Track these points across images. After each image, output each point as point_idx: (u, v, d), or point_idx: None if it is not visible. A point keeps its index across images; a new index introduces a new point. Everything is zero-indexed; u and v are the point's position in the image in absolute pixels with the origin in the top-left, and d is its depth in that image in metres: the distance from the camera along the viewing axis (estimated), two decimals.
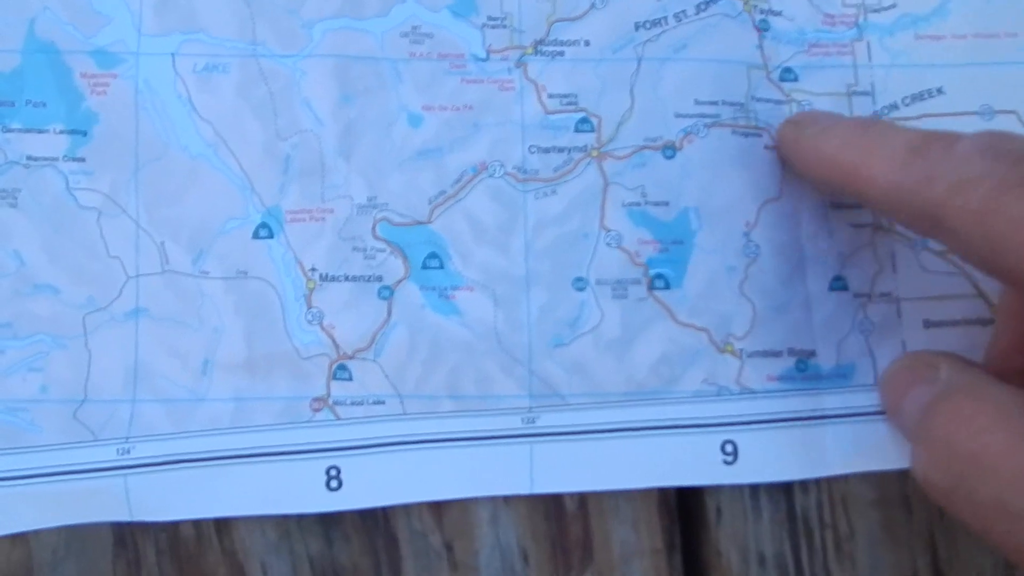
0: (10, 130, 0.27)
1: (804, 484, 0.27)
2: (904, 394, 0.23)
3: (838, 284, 0.27)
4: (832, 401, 0.26)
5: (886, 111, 0.28)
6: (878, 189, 0.22)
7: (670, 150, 0.27)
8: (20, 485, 0.26)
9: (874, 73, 0.28)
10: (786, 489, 0.27)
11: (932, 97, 0.28)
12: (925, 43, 0.28)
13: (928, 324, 0.27)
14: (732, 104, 0.28)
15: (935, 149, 0.21)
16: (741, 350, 0.27)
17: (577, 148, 0.28)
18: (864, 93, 0.28)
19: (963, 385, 0.21)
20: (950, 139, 0.21)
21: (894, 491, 0.27)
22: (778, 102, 0.28)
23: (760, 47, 0.28)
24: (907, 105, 0.28)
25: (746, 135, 0.28)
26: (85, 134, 0.27)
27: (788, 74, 0.28)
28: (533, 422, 0.27)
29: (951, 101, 0.28)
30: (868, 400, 0.26)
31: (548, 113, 0.28)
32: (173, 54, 0.27)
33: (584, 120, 0.28)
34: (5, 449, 0.26)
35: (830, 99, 0.28)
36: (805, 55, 0.28)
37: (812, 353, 0.27)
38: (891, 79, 0.28)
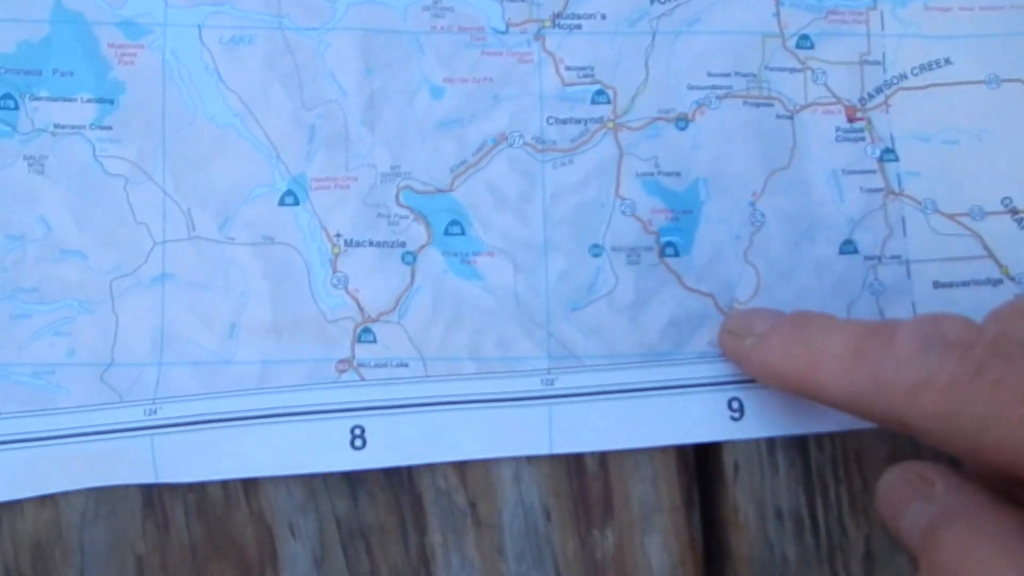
0: (38, 98, 0.26)
1: (819, 441, 0.26)
2: (901, 511, 0.22)
3: (848, 248, 0.27)
4: None
5: (896, 80, 0.27)
6: (833, 396, 0.22)
7: (683, 121, 0.27)
8: (47, 446, 0.25)
9: (886, 43, 0.28)
10: (801, 446, 0.26)
11: (940, 67, 0.27)
12: (934, 14, 0.28)
13: (938, 285, 0.27)
14: (745, 75, 0.27)
15: (875, 348, 0.21)
16: None
17: (593, 119, 0.27)
18: (875, 63, 0.27)
19: (961, 510, 0.20)
20: (886, 334, 0.21)
21: (906, 447, 0.26)
22: (792, 70, 0.27)
23: (777, 15, 0.27)
24: (916, 75, 0.27)
25: (757, 105, 0.27)
26: (112, 103, 0.26)
27: (804, 41, 0.27)
28: (551, 384, 0.26)
29: (959, 70, 0.27)
30: None
31: (565, 85, 0.27)
32: (200, 26, 0.26)
33: (600, 92, 0.28)
34: (32, 411, 0.25)
35: (843, 68, 0.27)
36: (823, 21, 0.27)
37: None
38: (902, 49, 0.28)
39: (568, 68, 0.28)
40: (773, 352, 0.23)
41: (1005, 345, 0.19)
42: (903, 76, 0.27)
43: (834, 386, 0.21)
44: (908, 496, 0.22)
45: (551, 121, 0.27)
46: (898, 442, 0.26)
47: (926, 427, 0.20)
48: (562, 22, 0.28)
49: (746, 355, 0.24)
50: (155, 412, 0.25)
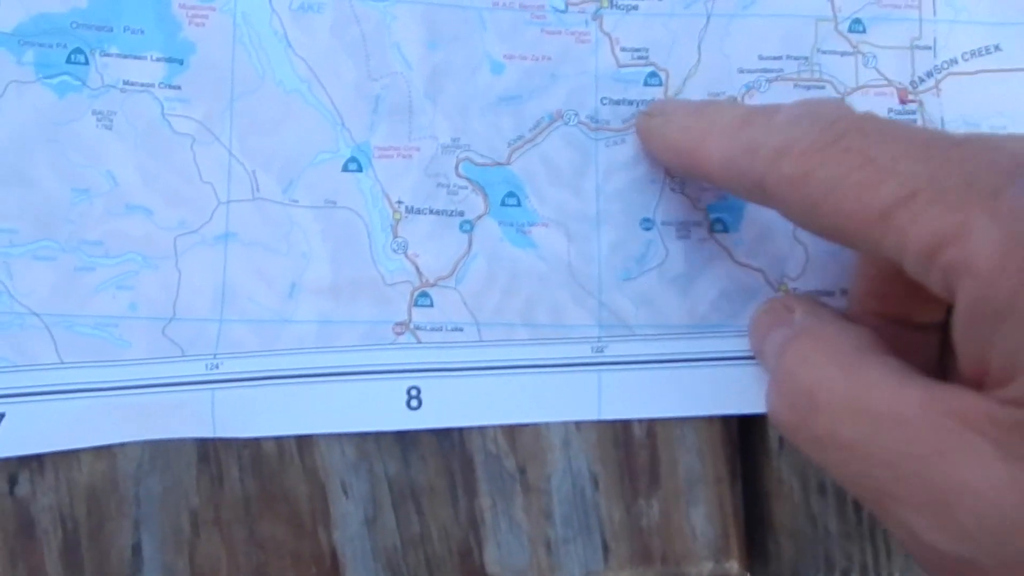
0: (108, 54, 0.25)
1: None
2: (765, 337, 0.23)
3: None
4: None
5: (946, 65, 0.27)
6: (714, 165, 0.22)
7: None
8: (107, 396, 0.24)
9: (937, 28, 0.27)
10: None
11: (990, 53, 0.27)
12: (986, 1, 0.27)
13: None
14: (796, 58, 0.27)
15: (759, 120, 0.21)
16: (794, 289, 0.26)
17: (645, 101, 0.26)
18: (926, 47, 0.27)
19: (810, 326, 0.21)
20: (773, 109, 0.21)
21: None
22: (844, 53, 0.27)
23: None
24: (966, 60, 0.27)
25: (808, 88, 0.26)
26: (181, 63, 0.25)
27: (857, 25, 0.27)
28: (602, 351, 0.26)
29: (1008, 57, 0.27)
30: None
31: (620, 66, 0.27)
32: None
33: (653, 74, 0.27)
34: (93, 362, 0.24)
35: (894, 52, 0.27)
36: (876, 6, 0.27)
37: None
38: (953, 34, 0.27)
39: (623, 49, 0.27)
40: (674, 126, 0.24)
41: (867, 122, 0.19)
42: (953, 61, 0.27)
43: (715, 153, 0.22)
44: (771, 323, 0.23)
45: (605, 101, 0.27)
46: None
47: (782, 193, 0.20)
48: (619, 3, 0.27)
49: (653, 131, 0.25)
50: (217, 367, 0.25)
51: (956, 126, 0.27)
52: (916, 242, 0.16)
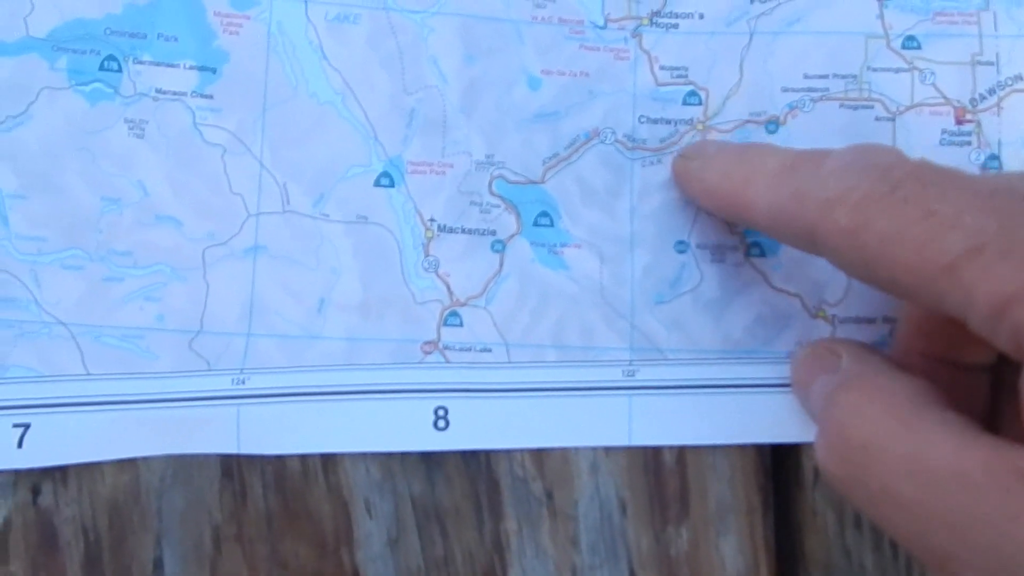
0: (141, 62, 0.24)
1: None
2: (810, 382, 0.22)
3: None
4: None
5: (1010, 81, 0.26)
6: (758, 212, 0.21)
7: (773, 124, 0.26)
8: (132, 409, 0.23)
9: (999, 43, 0.26)
10: None
11: None
12: None
13: None
14: (844, 76, 0.26)
15: (805, 166, 0.20)
16: (834, 316, 0.25)
17: (683, 121, 0.26)
18: (988, 63, 0.26)
19: (859, 375, 0.20)
20: (820, 155, 0.20)
21: None
22: (898, 70, 0.26)
23: (881, 16, 0.26)
24: None
25: (855, 107, 0.25)
26: (215, 72, 0.25)
27: (911, 42, 0.26)
28: (633, 375, 0.25)
29: None
30: None
31: (659, 85, 0.26)
32: (306, 1, 0.25)
33: (692, 94, 0.26)
34: (119, 374, 0.24)
35: (954, 68, 0.25)
36: (930, 23, 0.26)
37: None
38: (1017, 50, 0.26)
39: (663, 68, 0.26)
40: (715, 170, 0.23)
41: (922, 170, 0.18)
42: (1019, 77, 0.26)
43: (760, 200, 0.21)
44: (816, 369, 0.22)
45: (642, 120, 0.26)
46: None
47: (835, 244, 0.19)
48: (660, 20, 0.26)
49: (691, 175, 0.24)
50: (243, 382, 0.24)
51: (1015, 148, 0.25)
52: (984, 299, 0.16)
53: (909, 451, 0.17)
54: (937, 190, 0.17)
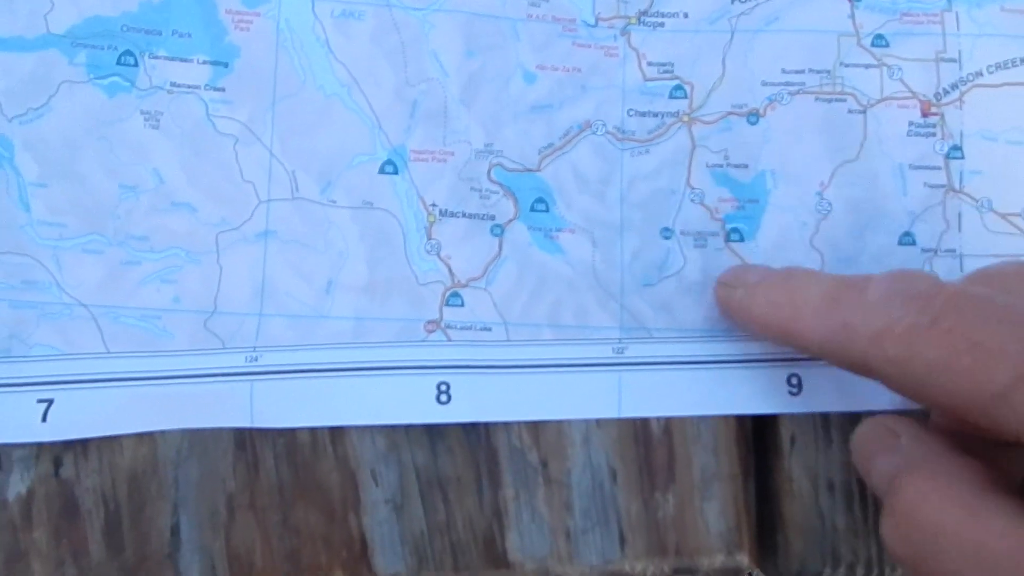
0: (156, 57, 0.25)
1: (872, 417, 0.28)
2: (871, 461, 0.22)
3: (907, 239, 0.27)
4: None
5: (971, 77, 0.27)
6: (810, 344, 0.22)
7: (754, 116, 0.27)
8: (150, 385, 0.24)
9: (961, 42, 0.27)
10: (855, 422, 0.27)
11: (1015, 67, 0.27)
12: (1009, 15, 0.27)
13: None
14: (819, 72, 0.27)
15: (849, 297, 0.21)
16: None
17: (670, 113, 0.27)
18: (951, 60, 0.27)
19: (921, 459, 0.21)
20: (861, 285, 0.21)
21: None
22: (868, 66, 0.27)
23: (852, 16, 0.27)
24: (991, 73, 0.27)
25: (829, 100, 0.27)
26: (227, 66, 0.26)
27: (880, 40, 0.27)
28: (622, 352, 0.26)
29: None
30: None
31: (646, 80, 0.27)
32: None
33: (678, 87, 0.27)
34: (138, 352, 0.25)
35: (919, 64, 0.27)
36: (897, 23, 0.27)
37: None
38: (977, 48, 0.27)
39: (650, 64, 0.28)
40: (759, 303, 0.24)
41: (962, 300, 0.19)
42: (979, 73, 0.27)
43: (811, 333, 0.22)
44: (877, 448, 0.22)
45: (631, 113, 0.28)
46: None
47: (887, 372, 0.20)
48: (647, 19, 0.28)
49: (736, 305, 0.25)
50: (256, 359, 0.25)
51: (974, 141, 0.27)
52: None
53: (975, 539, 0.18)
54: (976, 320, 0.19)
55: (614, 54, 0.28)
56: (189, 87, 0.26)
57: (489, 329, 0.26)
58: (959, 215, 0.27)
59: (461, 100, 0.27)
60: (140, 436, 0.25)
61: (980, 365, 0.18)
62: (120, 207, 0.25)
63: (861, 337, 0.20)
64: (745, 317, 0.24)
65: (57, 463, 0.25)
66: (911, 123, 0.27)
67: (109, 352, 0.25)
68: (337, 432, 0.26)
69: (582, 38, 0.27)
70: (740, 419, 0.27)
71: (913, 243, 0.27)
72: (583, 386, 0.26)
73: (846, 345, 0.21)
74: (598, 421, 0.26)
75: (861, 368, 0.21)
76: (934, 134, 0.27)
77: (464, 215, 0.26)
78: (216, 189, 0.26)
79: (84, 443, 0.25)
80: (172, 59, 0.26)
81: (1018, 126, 0.27)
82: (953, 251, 0.27)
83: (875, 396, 0.25)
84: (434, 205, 0.26)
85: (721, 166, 0.27)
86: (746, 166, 0.27)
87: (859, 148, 0.27)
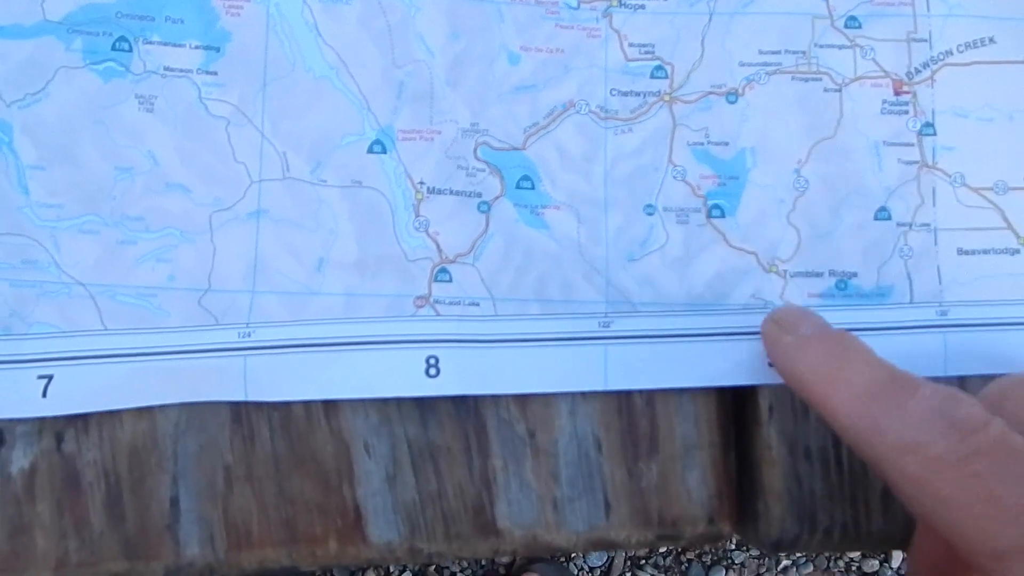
0: (150, 42, 0.26)
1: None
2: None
3: (883, 214, 0.27)
4: (868, 316, 0.27)
5: (942, 56, 0.27)
6: (837, 424, 0.21)
7: (733, 96, 0.27)
8: (147, 361, 0.25)
9: (932, 22, 0.28)
10: None
11: (984, 46, 0.27)
12: None
13: (961, 252, 0.27)
14: (794, 52, 0.27)
15: (891, 398, 0.20)
16: (785, 271, 0.27)
17: (651, 93, 0.27)
18: (922, 40, 0.27)
19: None
20: (908, 391, 0.20)
21: None
22: (842, 47, 0.27)
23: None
24: (961, 52, 0.27)
25: (806, 80, 0.27)
26: (218, 51, 0.26)
27: (852, 21, 0.28)
28: (608, 326, 0.26)
29: (1001, 49, 0.27)
30: (902, 316, 0.27)
31: (628, 60, 0.27)
32: None
33: (659, 68, 0.28)
34: (135, 329, 0.25)
35: (891, 44, 0.27)
36: (869, 4, 0.27)
37: (853, 274, 0.27)
38: (947, 28, 0.28)
39: (631, 45, 0.28)
40: (805, 359, 0.23)
41: (1000, 450, 0.19)
42: (949, 52, 0.27)
43: (843, 417, 0.21)
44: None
45: (614, 92, 0.28)
46: None
47: (899, 483, 0.20)
48: (628, 2, 0.28)
49: (780, 351, 0.24)
50: (249, 335, 0.26)
51: (946, 118, 0.27)
52: None
53: None
54: (1006, 474, 0.18)
55: (596, 35, 0.28)
56: (182, 71, 0.26)
57: (477, 304, 0.27)
58: (933, 190, 0.27)
59: (447, 81, 0.27)
60: (140, 411, 0.26)
61: (991, 521, 0.18)
62: (116, 188, 0.26)
63: (888, 444, 0.20)
64: (786, 367, 0.23)
65: (59, 438, 0.26)
66: (884, 101, 0.27)
67: (106, 329, 0.25)
68: (331, 406, 0.26)
69: (565, 20, 0.28)
70: (721, 390, 0.27)
71: (888, 218, 0.27)
72: (570, 359, 0.26)
73: (871, 443, 0.20)
74: (584, 393, 0.27)
75: (875, 466, 0.21)
76: (907, 112, 0.27)
77: (451, 192, 0.27)
78: (209, 170, 0.26)
79: (85, 418, 0.26)
80: (165, 44, 0.26)
81: (989, 103, 0.27)
82: (928, 225, 0.27)
83: None
84: (422, 183, 0.27)
85: (702, 144, 0.28)
86: (727, 144, 0.28)
87: (835, 126, 0.27)
